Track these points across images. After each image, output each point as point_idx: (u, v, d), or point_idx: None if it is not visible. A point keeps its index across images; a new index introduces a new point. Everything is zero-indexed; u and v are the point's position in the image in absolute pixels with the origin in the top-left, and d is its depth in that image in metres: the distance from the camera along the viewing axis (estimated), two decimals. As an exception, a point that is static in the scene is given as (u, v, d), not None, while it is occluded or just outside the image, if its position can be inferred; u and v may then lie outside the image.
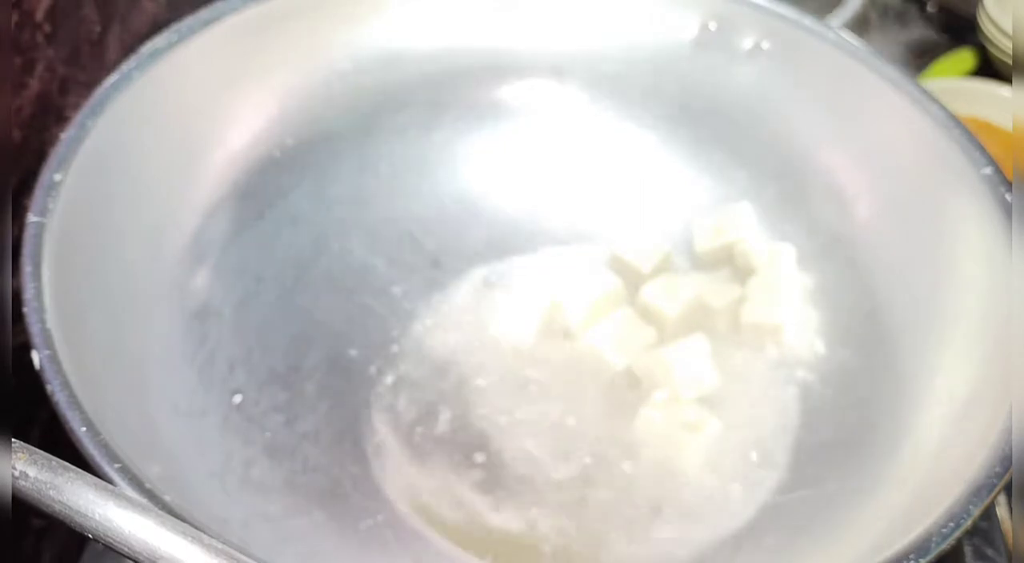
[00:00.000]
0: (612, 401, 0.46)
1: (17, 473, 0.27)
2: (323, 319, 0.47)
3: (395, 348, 0.47)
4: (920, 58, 0.78)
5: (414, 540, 0.40)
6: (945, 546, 0.34)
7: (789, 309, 0.48)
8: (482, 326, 0.47)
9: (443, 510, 0.41)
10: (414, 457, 0.43)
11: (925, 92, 0.49)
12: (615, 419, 0.45)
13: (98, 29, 0.49)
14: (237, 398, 0.43)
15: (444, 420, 0.44)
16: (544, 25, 0.55)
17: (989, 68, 0.75)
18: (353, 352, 0.46)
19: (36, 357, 0.35)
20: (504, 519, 0.41)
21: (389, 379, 0.46)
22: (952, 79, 0.75)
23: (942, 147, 0.47)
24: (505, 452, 0.43)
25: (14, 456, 0.28)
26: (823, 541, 0.39)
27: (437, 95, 0.54)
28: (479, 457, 0.43)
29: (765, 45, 0.53)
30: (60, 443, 0.32)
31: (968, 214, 0.45)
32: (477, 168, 0.54)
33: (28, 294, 0.36)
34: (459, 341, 0.47)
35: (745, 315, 0.48)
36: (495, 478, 0.43)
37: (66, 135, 0.42)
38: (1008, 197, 0.44)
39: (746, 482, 0.42)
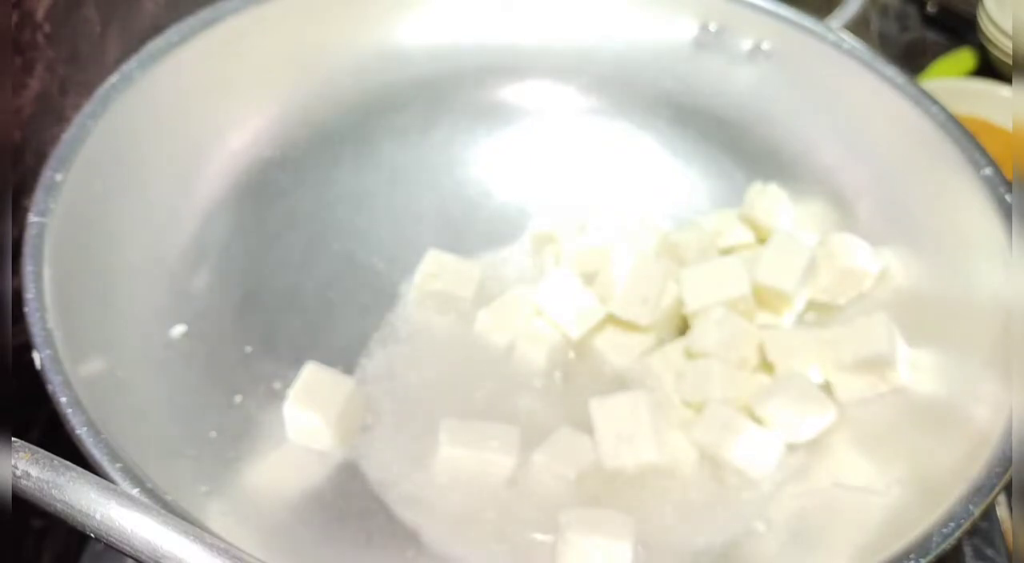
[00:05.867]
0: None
1: (19, 472, 0.27)
2: (323, 319, 0.47)
3: (395, 347, 0.47)
4: (920, 58, 0.78)
5: (410, 542, 0.40)
6: (945, 546, 0.34)
7: (790, 310, 0.48)
8: (481, 325, 0.47)
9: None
10: (411, 455, 0.43)
11: (925, 92, 0.49)
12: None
13: (98, 29, 0.49)
14: (238, 398, 0.43)
15: (439, 419, 0.44)
16: (544, 25, 0.55)
17: (989, 68, 0.75)
18: (354, 352, 0.46)
19: (37, 357, 0.35)
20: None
21: (388, 378, 0.46)
22: (952, 79, 0.75)
23: (942, 147, 0.47)
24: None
25: (16, 455, 0.28)
26: (823, 541, 0.39)
27: (437, 95, 0.54)
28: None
29: (765, 46, 0.53)
30: (60, 443, 0.32)
31: (968, 214, 0.45)
32: (477, 168, 0.54)
33: (29, 294, 0.36)
34: (457, 341, 0.47)
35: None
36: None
37: (66, 135, 0.42)
38: (1008, 197, 0.44)
39: (745, 483, 0.42)
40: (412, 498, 0.41)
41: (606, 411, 0.43)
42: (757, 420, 0.43)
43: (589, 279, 0.48)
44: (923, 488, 0.38)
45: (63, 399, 0.34)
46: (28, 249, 0.38)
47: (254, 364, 0.44)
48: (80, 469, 0.28)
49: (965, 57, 0.78)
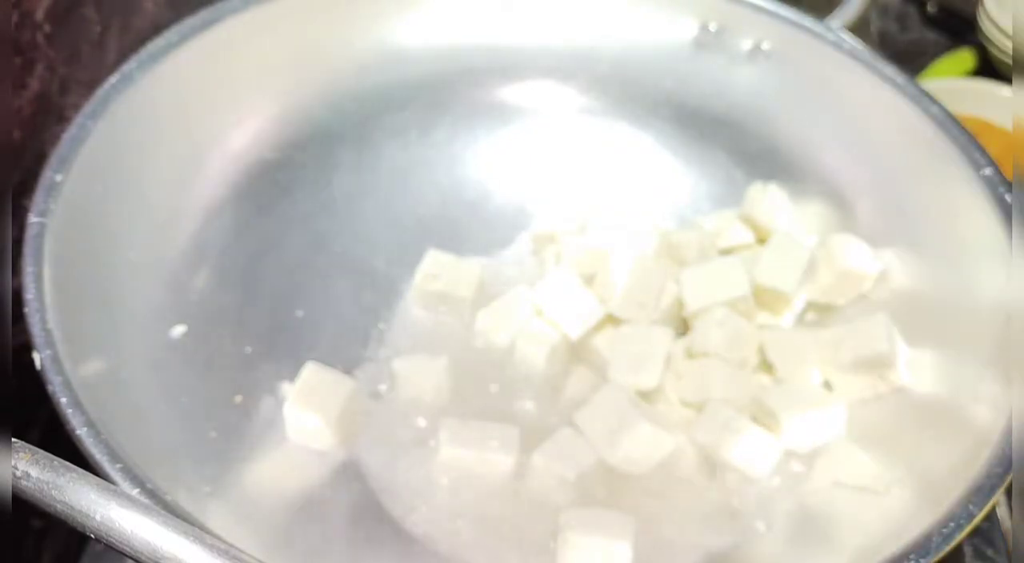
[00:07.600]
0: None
1: (19, 473, 0.27)
2: (323, 319, 0.47)
3: (395, 347, 0.47)
4: (920, 58, 0.78)
5: (410, 542, 0.40)
6: (945, 546, 0.34)
7: (789, 311, 0.48)
8: (481, 325, 0.47)
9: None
10: (411, 455, 0.43)
11: (925, 92, 0.49)
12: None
13: (98, 29, 0.49)
14: (238, 398, 0.43)
15: (439, 419, 0.44)
16: (544, 25, 0.55)
17: (989, 68, 0.75)
18: (353, 352, 0.46)
19: (37, 357, 0.35)
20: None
21: (388, 378, 0.46)
22: (952, 79, 0.75)
23: (942, 147, 0.47)
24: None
25: (16, 456, 0.28)
26: (823, 541, 0.39)
27: (437, 95, 0.54)
28: None
29: (765, 46, 0.53)
30: (60, 443, 0.32)
31: (968, 214, 0.45)
32: (477, 168, 0.54)
33: (29, 294, 0.36)
34: (457, 341, 0.47)
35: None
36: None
37: (66, 135, 0.42)
38: (1008, 197, 0.44)
39: (745, 483, 0.42)
40: (412, 498, 0.41)
41: (588, 415, 0.43)
42: (767, 429, 0.43)
43: (589, 279, 0.48)
44: (923, 488, 0.38)
45: (63, 399, 0.34)
46: (28, 249, 0.38)
47: (254, 364, 0.44)
48: (80, 470, 0.28)
49: (965, 57, 0.78)
